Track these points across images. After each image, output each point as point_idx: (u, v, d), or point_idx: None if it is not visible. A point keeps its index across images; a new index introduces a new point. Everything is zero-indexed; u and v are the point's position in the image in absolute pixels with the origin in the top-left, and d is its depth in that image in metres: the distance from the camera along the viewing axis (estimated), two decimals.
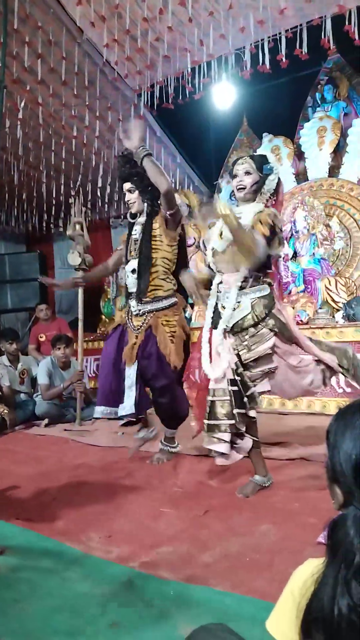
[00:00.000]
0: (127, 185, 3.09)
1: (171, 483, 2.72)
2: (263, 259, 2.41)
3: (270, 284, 2.49)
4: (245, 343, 2.39)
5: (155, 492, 2.58)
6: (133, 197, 3.08)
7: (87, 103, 5.51)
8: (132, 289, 3.06)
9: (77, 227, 4.71)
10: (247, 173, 2.48)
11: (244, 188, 2.50)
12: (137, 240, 3.05)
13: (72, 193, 6.43)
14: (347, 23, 4.26)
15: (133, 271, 3.04)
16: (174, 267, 3.09)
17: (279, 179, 2.54)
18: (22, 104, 5.19)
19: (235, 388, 2.36)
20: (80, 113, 5.70)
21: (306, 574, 0.85)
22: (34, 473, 3.04)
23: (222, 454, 2.40)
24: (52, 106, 5.48)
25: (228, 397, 2.35)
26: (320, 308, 4.95)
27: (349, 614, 0.74)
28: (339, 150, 5.87)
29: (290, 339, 2.50)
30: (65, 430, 4.40)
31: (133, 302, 3.07)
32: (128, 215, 3.17)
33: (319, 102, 6.20)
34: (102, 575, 1.72)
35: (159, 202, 3.01)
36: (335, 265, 5.42)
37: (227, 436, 2.35)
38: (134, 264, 3.04)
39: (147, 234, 3.02)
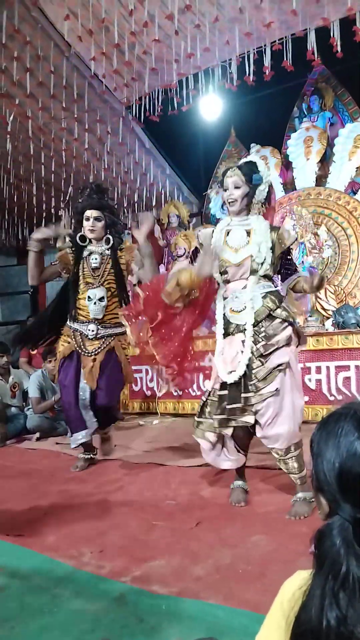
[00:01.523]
0: (94, 213, 3.23)
1: (163, 496, 2.70)
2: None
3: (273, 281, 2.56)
4: (263, 334, 2.37)
5: (147, 505, 2.56)
6: (98, 226, 3.24)
7: (75, 116, 5.55)
8: (97, 315, 3.23)
9: (67, 239, 4.69)
10: (237, 187, 2.47)
11: (234, 201, 2.50)
12: (98, 269, 3.24)
13: (62, 205, 6.44)
14: (331, 35, 4.33)
15: (101, 299, 3.23)
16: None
17: (270, 185, 2.55)
18: (11, 118, 5.22)
19: (225, 392, 2.38)
20: (69, 126, 5.74)
21: (295, 586, 0.84)
22: (25, 487, 3.00)
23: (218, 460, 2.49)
24: (42, 119, 5.52)
25: (217, 400, 2.41)
26: (310, 316, 4.97)
27: (337, 626, 0.73)
28: (325, 160, 5.93)
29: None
30: (56, 443, 4.36)
31: (92, 326, 3.23)
32: (78, 238, 3.27)
33: (305, 112, 6.27)
34: (93, 591, 1.70)
35: (119, 234, 3.33)
36: (324, 273, 5.45)
37: (212, 436, 2.43)
38: (99, 292, 3.22)
39: (115, 266, 3.25)
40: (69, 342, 3.29)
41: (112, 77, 5.37)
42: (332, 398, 4.24)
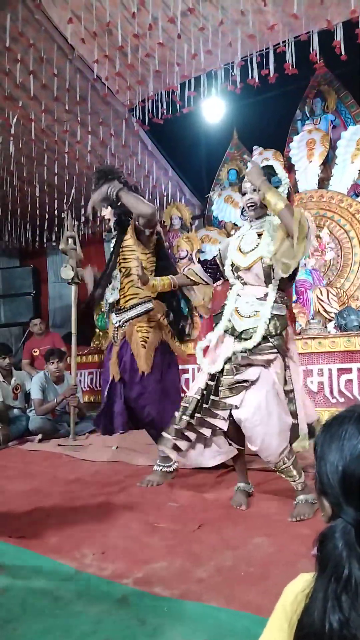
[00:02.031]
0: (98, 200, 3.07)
1: (165, 497, 2.70)
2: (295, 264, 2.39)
3: (287, 306, 2.49)
4: (246, 353, 2.36)
5: (149, 507, 2.55)
6: (107, 213, 3.12)
7: (78, 118, 5.56)
8: (112, 302, 3.11)
9: (70, 241, 4.71)
10: (255, 190, 2.43)
11: (253, 205, 2.46)
12: (112, 252, 3.13)
13: (65, 207, 6.45)
14: (334, 38, 4.33)
15: (109, 284, 3.11)
16: (152, 274, 3.04)
17: (289, 189, 2.53)
18: (15, 120, 5.23)
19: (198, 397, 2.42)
20: (72, 128, 5.75)
21: (297, 588, 0.84)
22: (27, 489, 3.01)
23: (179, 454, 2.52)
24: (45, 122, 5.52)
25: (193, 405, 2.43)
26: (312, 318, 4.97)
27: (340, 630, 0.73)
28: (328, 162, 5.94)
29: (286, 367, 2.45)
30: (59, 445, 4.36)
31: (113, 315, 3.14)
32: (106, 230, 3.24)
33: (308, 115, 6.28)
34: (95, 593, 1.70)
35: (128, 215, 3.05)
36: (327, 275, 5.46)
37: (191, 435, 2.45)
38: (113, 278, 3.10)
39: (118, 246, 3.06)
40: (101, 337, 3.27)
41: (115, 79, 5.37)
42: (334, 400, 4.24)
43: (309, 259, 5.39)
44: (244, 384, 2.33)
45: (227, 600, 1.57)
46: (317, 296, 5.07)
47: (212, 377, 2.43)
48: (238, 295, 2.49)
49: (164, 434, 2.54)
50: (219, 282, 2.79)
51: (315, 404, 4.30)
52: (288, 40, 4.52)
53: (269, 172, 2.50)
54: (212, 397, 2.39)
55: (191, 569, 1.82)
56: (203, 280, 2.77)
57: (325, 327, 4.86)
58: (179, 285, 2.84)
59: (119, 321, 3.08)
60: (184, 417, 2.44)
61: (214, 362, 2.45)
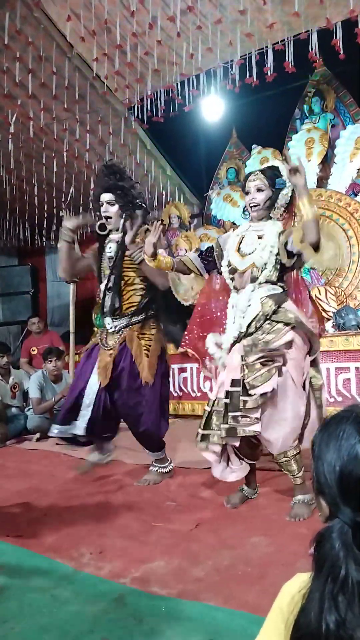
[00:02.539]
0: (107, 197, 2.89)
1: (163, 497, 2.70)
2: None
3: (283, 289, 2.47)
4: (263, 340, 2.31)
5: (147, 506, 2.56)
6: (112, 211, 2.89)
7: (77, 117, 5.55)
8: (110, 306, 2.92)
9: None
10: (259, 190, 2.42)
11: (257, 205, 2.45)
12: (112, 258, 2.92)
13: (63, 206, 6.44)
14: (333, 37, 4.33)
15: (109, 289, 2.92)
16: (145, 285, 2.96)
17: (292, 191, 2.46)
18: (14, 118, 5.22)
19: (227, 400, 2.31)
20: (71, 127, 5.74)
21: (294, 589, 0.83)
22: (24, 488, 3.00)
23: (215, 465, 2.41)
24: (43, 120, 5.52)
25: (223, 409, 2.32)
26: (310, 318, 4.96)
27: (336, 630, 0.73)
28: (327, 162, 5.94)
29: (308, 340, 2.40)
30: (57, 444, 4.34)
31: (108, 320, 2.95)
32: (97, 227, 2.99)
33: (307, 114, 6.28)
34: (92, 592, 1.70)
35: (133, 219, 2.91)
36: (325, 274, 5.46)
37: (217, 447, 2.34)
38: (112, 282, 2.92)
39: (123, 252, 2.89)
40: (95, 336, 3.10)
41: (114, 78, 5.37)
42: (331, 400, 4.24)
43: None
44: (268, 369, 2.25)
45: (224, 600, 1.57)
46: (315, 295, 5.07)
47: (234, 383, 2.33)
48: (233, 306, 2.50)
49: (201, 443, 2.41)
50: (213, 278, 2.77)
51: None
52: (287, 39, 4.52)
53: (274, 173, 2.47)
54: (241, 397, 2.27)
55: (189, 568, 1.82)
56: (197, 270, 2.72)
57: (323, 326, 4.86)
58: (175, 270, 2.74)
59: (115, 326, 2.92)
60: (223, 426, 2.30)
61: (231, 377, 2.35)
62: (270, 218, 2.49)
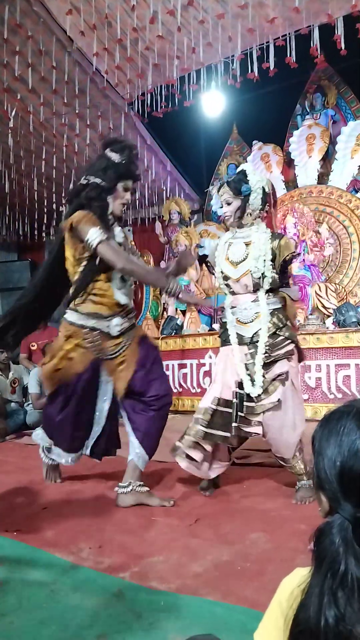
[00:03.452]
0: (132, 185, 2.55)
1: (162, 492, 2.70)
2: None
3: (284, 299, 2.59)
4: (267, 348, 2.44)
5: None
6: (129, 200, 2.59)
7: (77, 111, 5.54)
8: (125, 302, 2.53)
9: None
10: (228, 203, 2.54)
11: (229, 217, 2.58)
12: (121, 244, 2.55)
13: (63, 201, 6.43)
14: (335, 32, 4.31)
15: (124, 280, 2.52)
16: None
17: (264, 188, 2.51)
18: (13, 113, 5.21)
19: (233, 401, 2.46)
20: (70, 121, 5.72)
21: (293, 584, 0.83)
22: (24, 483, 3.00)
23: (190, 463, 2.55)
24: (43, 115, 5.50)
25: (230, 409, 2.46)
26: (310, 314, 4.97)
27: (336, 625, 0.73)
28: (327, 158, 5.93)
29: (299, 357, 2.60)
30: None
31: (116, 320, 2.50)
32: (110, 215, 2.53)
33: (308, 110, 6.27)
34: (91, 587, 1.70)
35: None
36: (325, 271, 5.46)
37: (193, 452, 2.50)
38: None
39: (128, 240, 2.69)
40: (80, 348, 2.49)
41: (114, 72, 5.35)
42: (331, 396, 4.25)
43: (308, 255, 5.39)
44: (280, 378, 2.43)
45: (223, 595, 1.58)
46: (315, 292, 5.07)
47: (240, 385, 2.47)
48: (232, 307, 2.58)
49: (177, 443, 2.54)
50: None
51: (313, 400, 4.31)
52: (288, 34, 4.50)
53: (238, 182, 2.52)
54: (245, 403, 2.44)
55: (188, 563, 1.82)
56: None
57: (324, 322, 4.86)
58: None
59: (122, 327, 2.52)
60: (199, 427, 2.47)
61: (235, 378, 2.49)
62: (253, 225, 2.56)
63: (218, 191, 2.59)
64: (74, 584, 1.72)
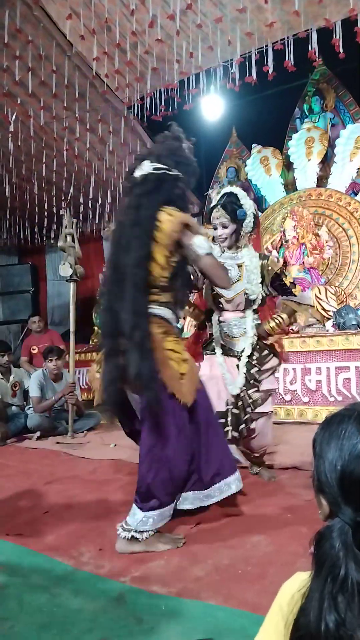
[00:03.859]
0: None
1: None
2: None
3: (293, 310, 2.78)
4: (255, 361, 2.62)
5: None
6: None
7: (77, 115, 5.54)
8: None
9: (69, 238, 4.71)
10: (224, 226, 2.62)
11: (224, 240, 2.65)
12: None
13: (63, 205, 6.45)
14: (333, 36, 4.32)
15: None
16: None
17: (254, 216, 2.67)
18: (13, 117, 5.21)
19: (237, 411, 2.63)
20: (70, 125, 5.73)
21: (294, 588, 0.83)
22: (25, 487, 3.00)
23: None
24: (43, 119, 5.51)
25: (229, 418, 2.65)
26: (310, 317, 4.97)
27: (336, 630, 0.72)
28: (326, 161, 5.94)
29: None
30: (57, 443, 4.36)
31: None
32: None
33: (307, 113, 6.28)
34: (92, 591, 1.70)
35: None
36: (325, 274, 5.46)
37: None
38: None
39: None
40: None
41: (114, 77, 5.36)
42: (332, 399, 4.24)
43: (308, 257, 5.39)
44: (270, 392, 2.69)
45: (224, 599, 1.57)
46: (315, 294, 5.07)
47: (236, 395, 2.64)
48: (220, 322, 2.72)
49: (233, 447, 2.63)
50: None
51: (313, 403, 4.31)
52: (287, 38, 4.51)
53: (234, 206, 2.59)
54: (233, 410, 2.60)
55: (188, 567, 1.82)
56: None
57: (324, 325, 4.86)
58: None
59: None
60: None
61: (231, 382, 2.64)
62: (246, 247, 2.69)
63: (210, 213, 2.66)
64: (74, 588, 1.72)
